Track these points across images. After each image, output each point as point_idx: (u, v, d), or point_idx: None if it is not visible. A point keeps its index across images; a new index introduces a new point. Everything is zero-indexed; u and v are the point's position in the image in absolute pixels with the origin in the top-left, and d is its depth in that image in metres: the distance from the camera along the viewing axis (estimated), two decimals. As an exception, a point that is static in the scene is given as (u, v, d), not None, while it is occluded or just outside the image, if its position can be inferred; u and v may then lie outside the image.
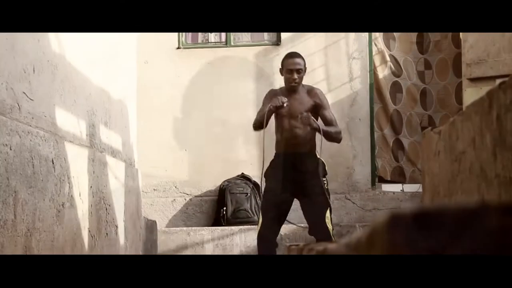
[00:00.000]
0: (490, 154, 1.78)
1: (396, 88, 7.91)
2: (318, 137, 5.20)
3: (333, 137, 5.18)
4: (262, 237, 5.09)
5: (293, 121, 5.16)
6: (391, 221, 0.53)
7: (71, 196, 4.14)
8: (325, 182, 5.17)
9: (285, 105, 5.04)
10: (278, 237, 5.44)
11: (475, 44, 4.63)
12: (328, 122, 5.19)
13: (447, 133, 2.20)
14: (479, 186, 1.89)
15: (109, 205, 4.93)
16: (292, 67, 5.16)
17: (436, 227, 0.48)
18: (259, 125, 5.27)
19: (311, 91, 5.30)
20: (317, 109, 5.20)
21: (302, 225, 5.84)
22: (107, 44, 5.14)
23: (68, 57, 4.22)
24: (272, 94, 5.32)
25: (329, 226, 5.02)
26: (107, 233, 4.87)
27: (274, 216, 5.11)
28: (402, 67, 7.95)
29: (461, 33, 5.31)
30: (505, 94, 1.65)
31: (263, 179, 5.41)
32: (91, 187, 4.53)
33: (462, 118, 2.03)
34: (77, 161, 4.27)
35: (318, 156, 5.21)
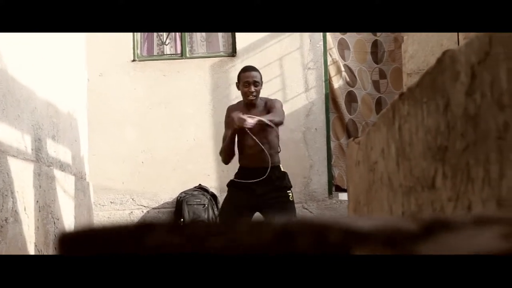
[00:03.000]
0: (395, 164, 1.82)
1: (351, 97, 7.98)
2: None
3: (277, 121, 5.04)
4: None
5: (253, 135, 5.08)
6: (60, 238, 0.55)
7: (15, 211, 4.11)
8: (290, 194, 5.12)
9: (242, 118, 4.95)
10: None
11: (415, 55, 4.71)
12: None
13: (365, 144, 2.23)
14: (388, 196, 1.93)
15: (58, 219, 4.91)
16: (248, 79, 5.12)
17: (94, 246, 0.50)
18: (226, 157, 5.20)
19: (267, 102, 5.25)
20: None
21: None
22: (54, 58, 5.12)
23: (10, 71, 4.20)
24: (230, 112, 5.23)
25: None
26: (55, 248, 4.84)
27: None
28: (357, 77, 8.02)
29: (402, 45, 5.38)
30: (404, 105, 1.69)
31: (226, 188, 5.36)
32: (37, 201, 4.50)
33: (375, 129, 2.06)
34: (22, 175, 4.24)
35: (282, 169, 5.17)
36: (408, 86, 1.65)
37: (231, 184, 5.17)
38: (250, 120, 4.82)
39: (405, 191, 1.72)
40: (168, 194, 7.76)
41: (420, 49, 4.50)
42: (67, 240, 0.54)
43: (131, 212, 7.73)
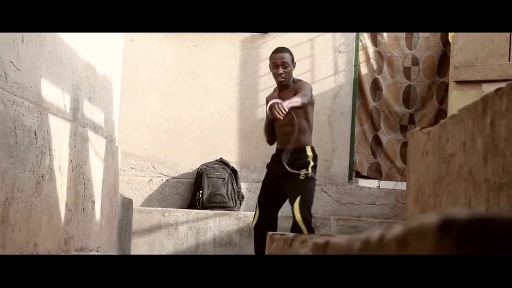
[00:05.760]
0: (481, 158, 1.80)
1: (376, 85, 7.94)
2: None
3: (300, 103, 5.03)
4: (258, 231, 5.12)
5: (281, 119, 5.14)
6: (442, 224, 0.53)
7: (51, 168, 4.11)
8: (301, 173, 5.14)
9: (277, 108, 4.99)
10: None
11: (464, 47, 4.67)
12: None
13: (437, 135, 2.22)
14: (467, 190, 1.91)
15: (88, 180, 4.91)
16: (276, 61, 5.18)
17: (488, 236, 0.49)
18: (268, 139, 5.44)
19: (297, 83, 5.29)
20: None
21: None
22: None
23: (57, 29, 4.18)
24: (267, 102, 5.29)
25: (297, 215, 4.99)
26: (83, 208, 4.85)
27: (270, 209, 5.19)
28: (385, 64, 7.96)
29: (451, 36, 5.31)
30: (501, 100, 1.67)
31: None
32: (71, 161, 4.51)
33: (454, 121, 2.05)
34: (59, 134, 4.24)
35: (310, 152, 5.24)
36: (509, 82, 1.64)
37: (268, 167, 5.37)
38: (279, 112, 4.80)
39: (493, 187, 1.71)
40: (189, 164, 7.76)
41: (470, 42, 4.46)
42: (454, 227, 0.52)
43: (151, 179, 7.74)
